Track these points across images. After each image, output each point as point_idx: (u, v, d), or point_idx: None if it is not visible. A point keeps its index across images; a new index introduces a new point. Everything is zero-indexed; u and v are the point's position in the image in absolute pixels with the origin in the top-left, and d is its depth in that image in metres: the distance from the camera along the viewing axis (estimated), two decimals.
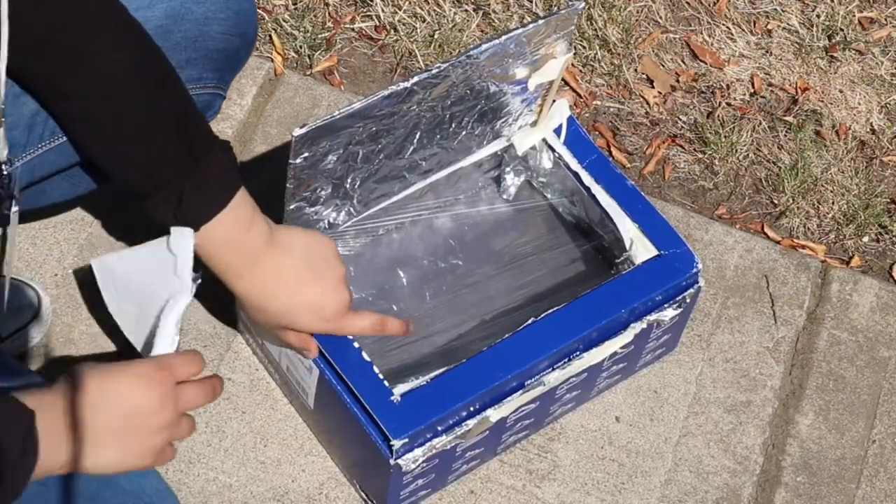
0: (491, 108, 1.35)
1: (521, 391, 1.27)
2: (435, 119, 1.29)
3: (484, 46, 1.22)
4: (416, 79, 1.19)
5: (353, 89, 1.69)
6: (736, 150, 1.71)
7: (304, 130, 1.14)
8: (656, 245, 1.35)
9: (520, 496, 1.38)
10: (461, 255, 1.46)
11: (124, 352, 1.41)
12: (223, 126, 1.59)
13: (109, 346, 1.41)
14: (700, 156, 1.70)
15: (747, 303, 1.55)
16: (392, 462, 1.21)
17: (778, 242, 1.62)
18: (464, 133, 1.35)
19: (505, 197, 1.49)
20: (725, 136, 1.71)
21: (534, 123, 1.42)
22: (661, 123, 1.73)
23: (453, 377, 1.24)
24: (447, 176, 1.41)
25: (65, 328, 1.41)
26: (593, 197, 1.39)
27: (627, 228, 1.37)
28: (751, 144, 1.72)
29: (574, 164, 1.40)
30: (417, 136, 1.30)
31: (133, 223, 1.49)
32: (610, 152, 1.69)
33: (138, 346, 1.17)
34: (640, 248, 1.36)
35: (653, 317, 1.34)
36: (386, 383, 1.22)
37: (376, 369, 1.23)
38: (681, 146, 1.71)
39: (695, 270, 1.35)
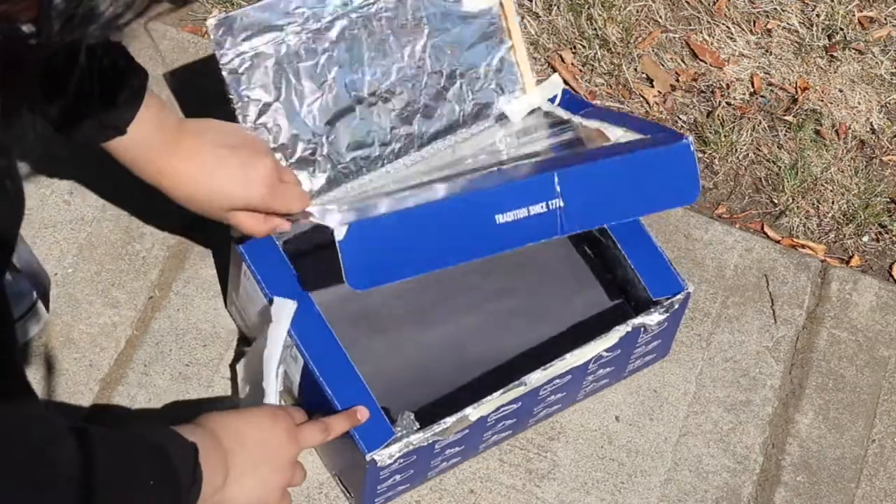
0: (444, 41, 1.37)
1: (501, 391, 1.25)
2: (377, 43, 1.32)
3: None
4: None
5: None
6: (736, 150, 1.71)
7: (221, 17, 1.22)
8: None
9: (520, 495, 1.38)
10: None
11: (123, 352, 1.41)
12: None
13: (109, 346, 1.41)
14: (700, 155, 1.70)
15: (747, 302, 1.55)
16: (367, 457, 1.20)
17: (778, 242, 1.62)
18: (423, 72, 1.37)
19: None
20: (725, 136, 1.71)
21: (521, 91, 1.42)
22: (661, 123, 1.73)
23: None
24: (461, 175, 1.41)
25: (65, 328, 1.41)
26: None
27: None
28: (750, 144, 1.72)
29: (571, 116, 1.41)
30: (364, 59, 1.32)
31: (133, 223, 1.49)
32: None
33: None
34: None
35: (638, 320, 1.32)
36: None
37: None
38: None
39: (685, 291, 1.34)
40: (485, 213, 1.19)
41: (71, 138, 1.15)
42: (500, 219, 1.19)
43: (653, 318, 1.34)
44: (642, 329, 1.34)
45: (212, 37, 1.23)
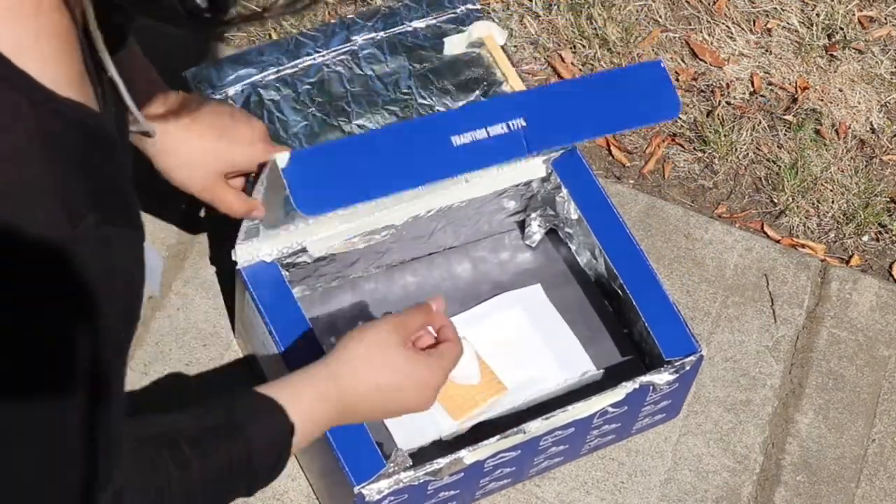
0: (429, 70, 1.40)
1: (498, 436, 1.22)
2: (359, 78, 1.37)
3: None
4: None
5: None
6: (736, 149, 1.71)
7: (194, 69, 1.28)
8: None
9: (520, 496, 1.38)
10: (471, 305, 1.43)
11: None
12: None
13: None
14: (700, 155, 1.70)
15: (747, 302, 1.55)
16: (355, 490, 1.18)
17: (778, 241, 1.62)
18: (413, 99, 1.37)
19: (528, 244, 1.47)
20: (725, 135, 1.71)
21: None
22: (661, 122, 1.73)
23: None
24: (465, 210, 1.39)
25: None
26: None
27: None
28: (750, 143, 1.72)
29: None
30: (347, 94, 1.36)
31: None
32: (609, 151, 1.69)
33: None
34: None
35: (647, 378, 1.29)
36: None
37: None
38: (680, 145, 1.71)
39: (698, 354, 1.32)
40: (439, 135, 1.11)
41: None
42: (457, 140, 1.11)
43: (662, 378, 1.30)
44: (651, 388, 1.30)
45: (191, 88, 1.28)
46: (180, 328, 1.43)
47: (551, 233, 1.47)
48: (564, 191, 1.39)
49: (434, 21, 1.42)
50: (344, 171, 1.08)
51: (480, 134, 1.12)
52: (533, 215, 1.45)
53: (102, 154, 0.67)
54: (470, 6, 1.44)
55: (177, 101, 1.18)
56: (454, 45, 1.40)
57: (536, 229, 1.46)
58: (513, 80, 1.41)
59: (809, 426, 1.47)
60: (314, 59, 1.37)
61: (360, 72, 1.37)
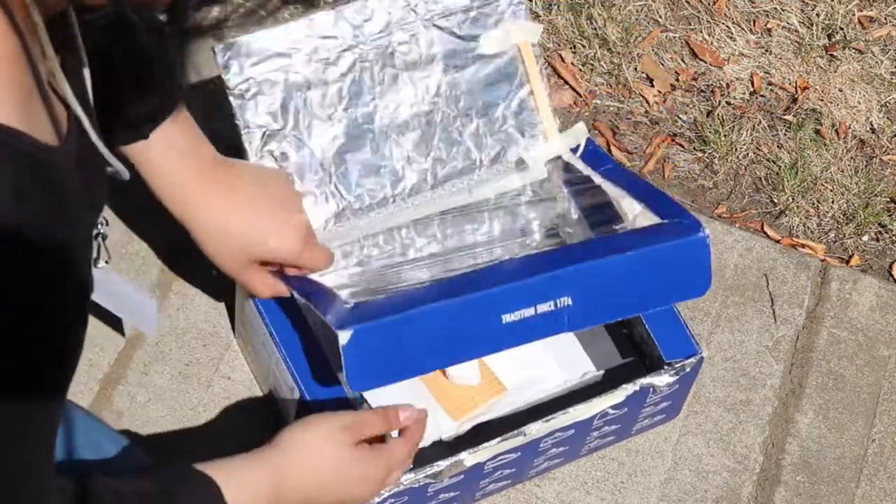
0: (459, 78, 1.33)
1: (499, 439, 1.22)
2: (389, 77, 1.29)
3: None
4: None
5: None
6: (736, 149, 1.71)
7: (223, 43, 1.19)
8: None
9: (520, 495, 1.38)
10: None
11: (123, 351, 1.41)
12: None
13: (109, 346, 1.41)
14: (700, 154, 1.70)
15: (747, 302, 1.55)
16: None
17: (778, 241, 1.62)
18: (437, 108, 1.32)
19: (528, 243, 1.44)
20: (725, 135, 1.71)
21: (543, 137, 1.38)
22: (661, 122, 1.73)
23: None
24: (465, 210, 1.37)
25: None
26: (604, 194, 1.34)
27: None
28: (750, 143, 1.72)
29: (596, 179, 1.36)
30: (376, 93, 1.29)
31: (133, 223, 1.49)
32: (609, 151, 1.69)
33: None
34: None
35: (647, 380, 1.29)
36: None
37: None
38: (680, 145, 1.71)
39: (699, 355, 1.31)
40: (492, 314, 1.15)
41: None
42: (507, 318, 1.15)
43: (662, 380, 1.30)
44: (651, 389, 1.30)
45: (218, 61, 1.20)
46: (180, 328, 1.43)
47: (551, 232, 1.47)
48: (564, 190, 1.39)
49: (473, 3, 1.33)
50: (399, 349, 1.13)
51: (529, 312, 1.15)
52: (533, 215, 1.45)
53: (44, 187, 0.67)
54: None
55: (224, 172, 1.14)
56: (490, 44, 1.34)
57: (536, 229, 1.46)
58: (539, 98, 1.35)
59: (809, 426, 1.47)
60: (346, 46, 1.27)
61: (392, 68, 1.30)
